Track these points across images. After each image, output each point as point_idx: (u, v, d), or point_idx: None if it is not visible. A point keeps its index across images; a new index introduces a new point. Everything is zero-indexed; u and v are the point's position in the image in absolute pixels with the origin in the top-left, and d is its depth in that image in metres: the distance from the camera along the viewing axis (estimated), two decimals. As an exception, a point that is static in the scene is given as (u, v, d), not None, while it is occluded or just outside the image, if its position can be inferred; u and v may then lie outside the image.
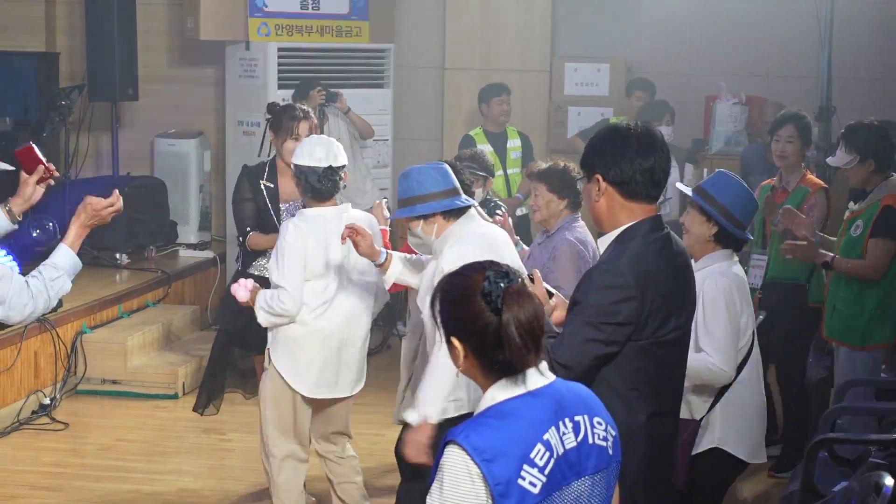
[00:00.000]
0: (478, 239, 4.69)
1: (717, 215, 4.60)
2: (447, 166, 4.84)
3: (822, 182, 6.81)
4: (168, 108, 10.12)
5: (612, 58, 10.16)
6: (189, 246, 9.94)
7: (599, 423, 2.95)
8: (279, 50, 9.63)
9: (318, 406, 5.54)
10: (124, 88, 9.34)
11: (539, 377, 2.90)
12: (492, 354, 2.83)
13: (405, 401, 5.50)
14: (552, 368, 3.49)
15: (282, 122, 6.12)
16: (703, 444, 4.63)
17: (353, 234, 4.93)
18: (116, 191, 4.44)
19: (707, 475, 4.63)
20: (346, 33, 10.00)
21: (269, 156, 6.55)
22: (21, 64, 9.41)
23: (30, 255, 7.72)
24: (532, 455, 2.79)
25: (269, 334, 5.40)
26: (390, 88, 10.13)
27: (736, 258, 4.76)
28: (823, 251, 6.07)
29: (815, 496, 4.87)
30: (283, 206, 6.21)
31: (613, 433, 3.00)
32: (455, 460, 2.77)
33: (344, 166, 5.36)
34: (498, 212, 6.66)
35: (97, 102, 9.48)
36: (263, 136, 6.17)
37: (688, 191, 4.78)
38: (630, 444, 3.41)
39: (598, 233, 3.91)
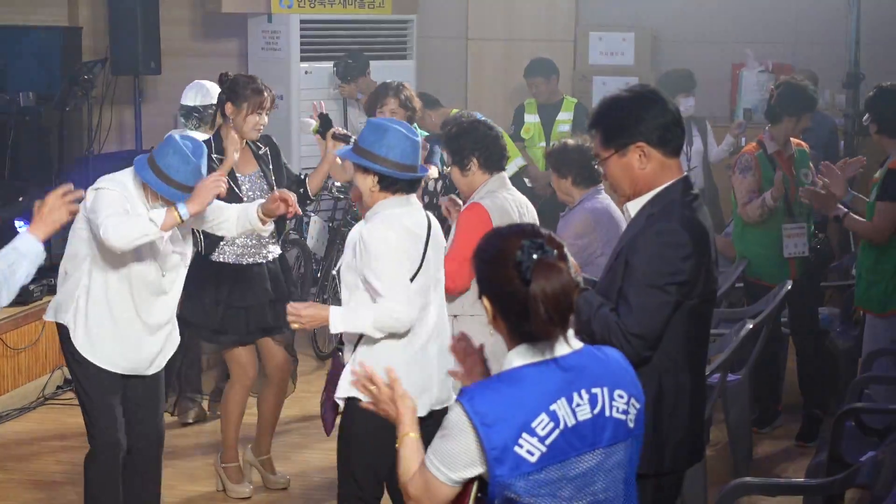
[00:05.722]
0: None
1: (370, 165, 4.42)
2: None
3: (803, 143, 6.83)
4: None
5: (638, 26, 10.05)
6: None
7: (621, 396, 2.90)
8: (301, 22, 9.60)
9: None
10: (147, 62, 9.31)
11: (563, 346, 2.87)
12: (516, 322, 2.84)
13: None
14: (626, 341, 3.46)
15: (244, 94, 5.76)
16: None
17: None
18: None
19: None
20: (369, 4, 9.94)
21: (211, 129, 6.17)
22: (44, 39, 9.39)
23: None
24: (533, 424, 2.77)
25: None
26: (413, 60, 10.07)
27: (414, 205, 4.56)
28: (840, 206, 6.03)
29: (842, 466, 4.83)
30: (241, 178, 5.86)
31: (637, 406, 2.94)
32: (456, 420, 2.81)
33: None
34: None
35: (120, 76, 9.46)
36: (219, 108, 5.86)
37: (342, 151, 4.66)
38: (676, 405, 3.40)
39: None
